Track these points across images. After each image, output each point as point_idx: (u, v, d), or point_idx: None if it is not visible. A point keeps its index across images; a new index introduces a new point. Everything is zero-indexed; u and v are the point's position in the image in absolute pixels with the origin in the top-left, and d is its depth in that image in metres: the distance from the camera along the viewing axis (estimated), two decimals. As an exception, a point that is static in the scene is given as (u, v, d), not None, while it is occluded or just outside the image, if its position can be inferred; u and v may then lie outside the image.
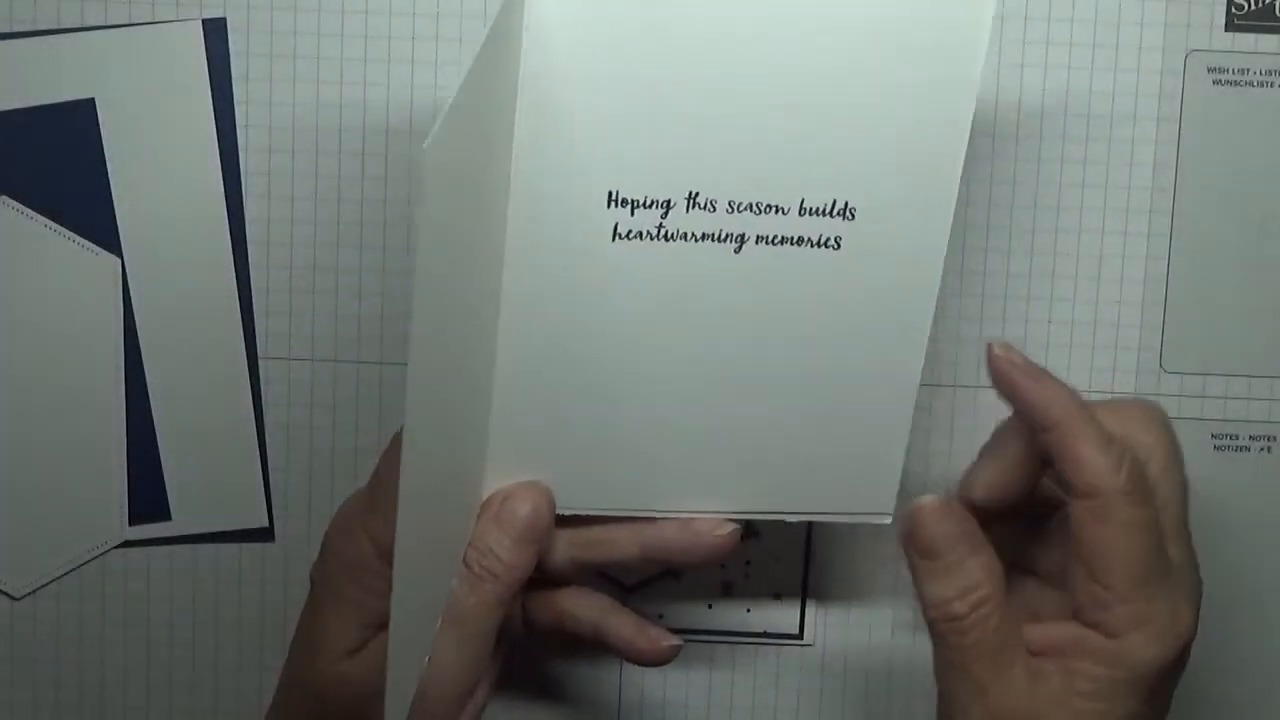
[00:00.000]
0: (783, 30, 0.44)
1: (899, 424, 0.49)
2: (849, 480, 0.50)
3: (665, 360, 0.48)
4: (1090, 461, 0.44)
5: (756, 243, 0.46)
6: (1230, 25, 0.54)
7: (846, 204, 0.46)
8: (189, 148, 0.54)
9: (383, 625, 0.48)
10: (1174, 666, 0.45)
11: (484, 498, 0.49)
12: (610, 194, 0.46)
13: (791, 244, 0.46)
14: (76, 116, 0.54)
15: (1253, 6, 0.54)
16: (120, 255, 0.54)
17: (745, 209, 0.46)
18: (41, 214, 0.54)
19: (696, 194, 0.46)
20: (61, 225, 0.54)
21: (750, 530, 0.56)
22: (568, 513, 0.49)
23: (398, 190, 0.54)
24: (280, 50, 0.54)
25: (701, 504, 0.50)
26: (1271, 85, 0.54)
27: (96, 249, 0.54)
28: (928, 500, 0.46)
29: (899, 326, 0.48)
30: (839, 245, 0.46)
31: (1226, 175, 0.55)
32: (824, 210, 0.46)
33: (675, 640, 0.51)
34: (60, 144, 0.54)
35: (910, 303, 0.47)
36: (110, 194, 0.54)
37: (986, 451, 0.48)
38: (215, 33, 0.54)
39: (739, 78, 0.44)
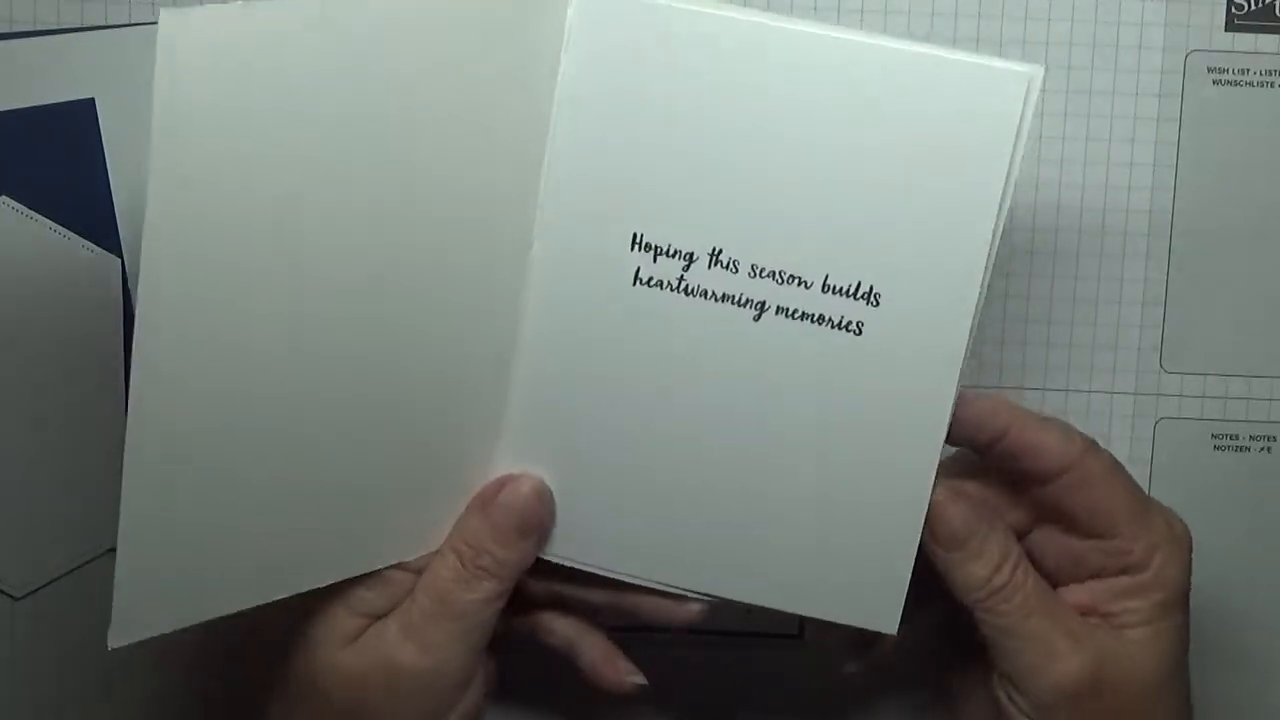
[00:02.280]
0: (823, 97, 0.44)
1: (909, 529, 0.47)
2: (851, 582, 0.47)
3: (674, 421, 0.47)
4: (1047, 443, 0.47)
5: (776, 313, 0.46)
6: (1230, 25, 0.54)
7: (871, 288, 0.45)
8: (189, 148, 0.54)
9: (376, 614, 0.48)
10: (1190, 568, 0.48)
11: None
12: (635, 236, 0.46)
13: (812, 321, 0.46)
14: (76, 116, 0.54)
15: (1253, 6, 0.54)
16: (120, 255, 0.54)
17: (767, 276, 0.45)
18: (41, 214, 0.54)
19: (720, 251, 0.46)
20: (61, 225, 0.54)
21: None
22: (554, 560, 0.49)
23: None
24: (280, 50, 0.54)
25: (694, 581, 0.48)
26: (1271, 85, 0.54)
27: (96, 249, 0.54)
28: (938, 494, 0.46)
29: (912, 431, 0.46)
30: (860, 331, 0.45)
31: (1226, 175, 0.55)
32: (848, 291, 0.45)
33: (639, 678, 0.51)
34: (60, 144, 0.54)
35: (924, 409, 0.46)
36: (110, 194, 0.54)
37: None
38: (215, 33, 0.54)
39: (771, 142, 0.44)
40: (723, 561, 0.48)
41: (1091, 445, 0.47)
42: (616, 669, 0.51)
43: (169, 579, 0.43)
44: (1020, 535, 0.48)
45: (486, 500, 0.48)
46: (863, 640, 0.50)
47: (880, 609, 0.47)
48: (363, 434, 0.45)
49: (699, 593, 0.48)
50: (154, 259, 0.38)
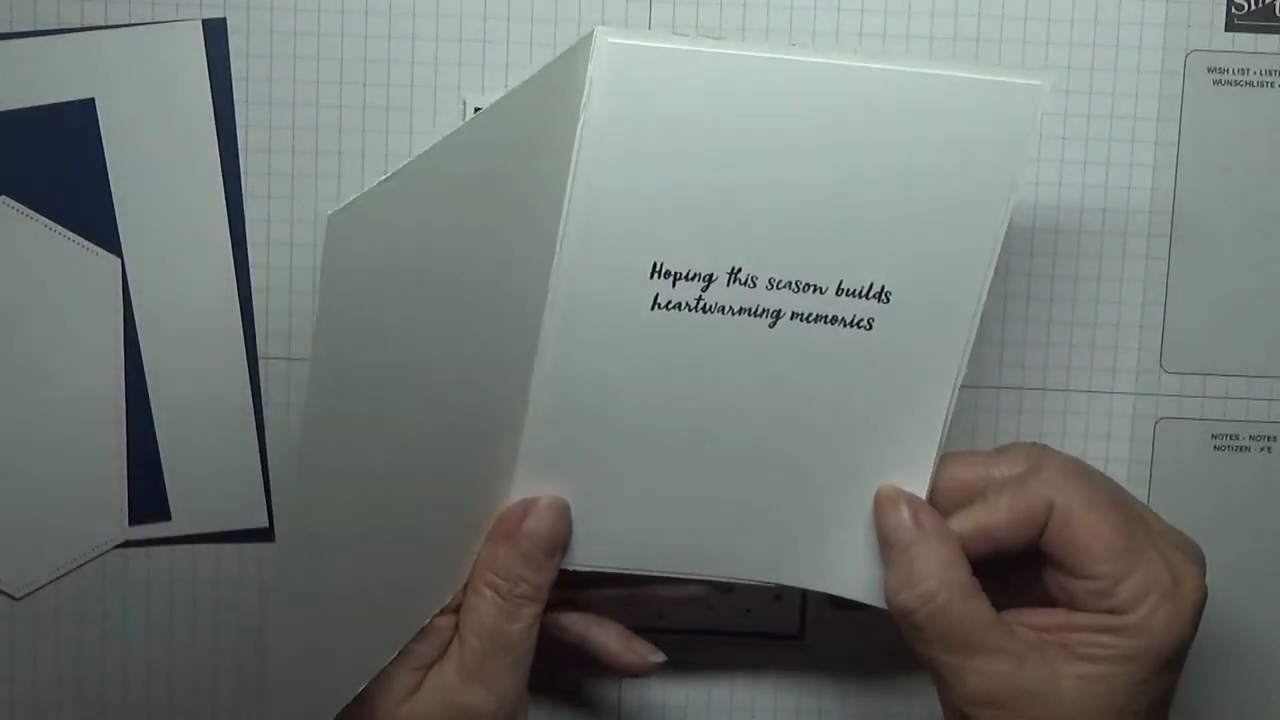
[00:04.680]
0: (836, 122, 0.45)
1: None
2: (865, 561, 0.49)
3: (691, 428, 0.48)
4: (1005, 510, 0.46)
5: (791, 319, 0.47)
6: (1230, 25, 0.54)
7: (883, 287, 0.46)
8: (189, 148, 0.54)
9: (429, 664, 0.48)
10: (1188, 632, 0.45)
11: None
12: (655, 265, 0.46)
13: (825, 322, 0.47)
14: (76, 116, 0.54)
15: (1253, 6, 0.54)
16: (120, 255, 0.54)
17: (785, 286, 0.46)
18: (41, 214, 0.54)
19: (739, 270, 0.46)
20: (61, 225, 0.54)
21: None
22: (576, 568, 0.50)
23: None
24: (280, 50, 0.54)
25: (712, 569, 0.50)
26: (1271, 85, 0.54)
27: (96, 249, 0.54)
28: (887, 489, 0.47)
29: (915, 417, 0.48)
30: (870, 326, 0.47)
31: (1226, 175, 0.55)
32: (860, 292, 0.46)
33: (659, 656, 0.52)
34: (60, 144, 0.54)
35: (929, 392, 0.47)
36: (110, 194, 0.54)
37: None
38: (215, 33, 0.54)
39: (787, 165, 0.45)
40: (740, 549, 0.49)
41: (1079, 471, 0.46)
42: (635, 651, 0.52)
43: (314, 673, 0.44)
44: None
45: (510, 530, 0.48)
46: None
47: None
48: (428, 495, 0.46)
49: (722, 579, 0.50)
50: (320, 389, 0.40)
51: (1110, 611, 0.45)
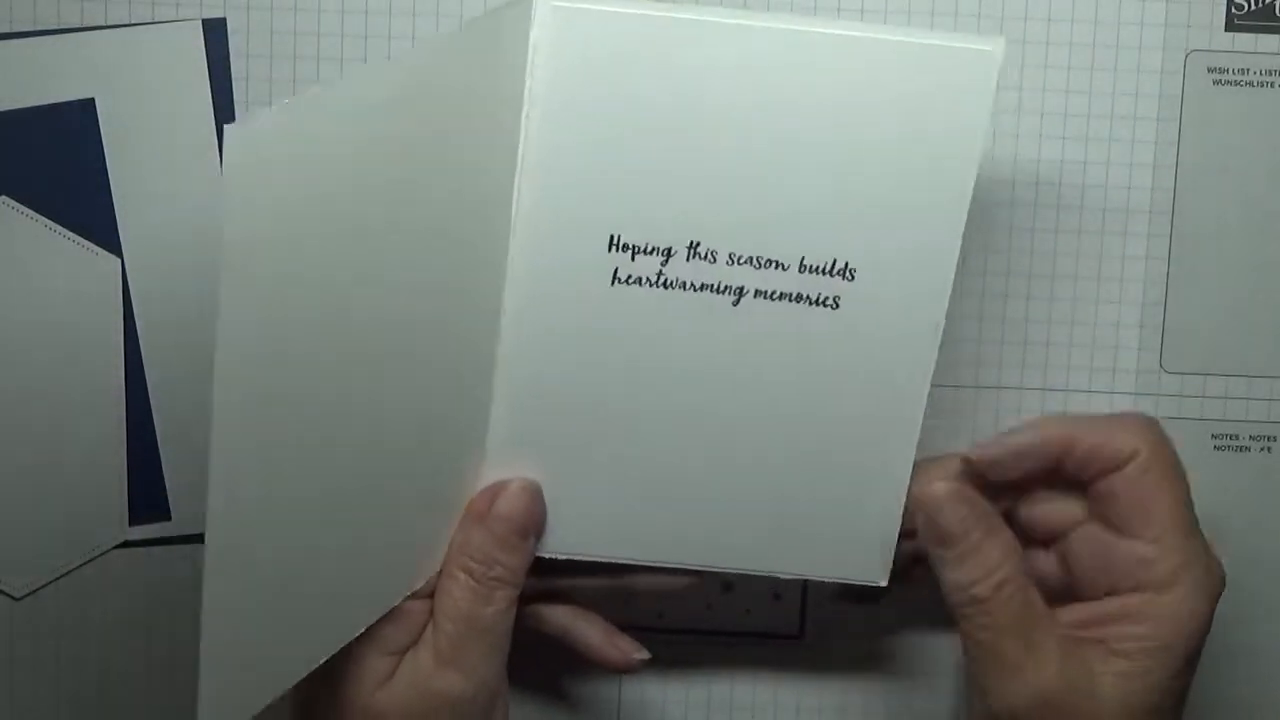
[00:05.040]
0: (789, 89, 0.45)
1: (894, 488, 0.49)
2: (842, 541, 0.49)
3: (661, 410, 0.48)
4: (1111, 438, 0.46)
5: (755, 297, 0.46)
6: (1230, 25, 0.54)
7: (846, 264, 0.46)
8: (189, 148, 0.54)
9: (402, 650, 0.48)
10: (1208, 622, 0.46)
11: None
12: (612, 238, 0.46)
13: (790, 300, 0.46)
14: (76, 116, 0.54)
15: (1253, 6, 0.54)
16: (120, 255, 0.54)
17: (745, 262, 0.46)
18: (41, 214, 0.54)
19: (697, 244, 0.46)
20: (61, 225, 0.54)
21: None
22: (551, 555, 0.49)
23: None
24: (280, 50, 0.54)
25: (688, 557, 0.50)
26: (1271, 85, 0.54)
27: (96, 249, 0.54)
28: (940, 488, 0.47)
29: (895, 392, 0.47)
30: (837, 305, 0.46)
31: (1226, 175, 0.55)
32: (824, 269, 0.46)
33: (644, 653, 0.52)
34: (60, 144, 0.54)
35: (906, 369, 0.47)
36: (110, 194, 0.54)
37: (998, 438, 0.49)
38: (215, 33, 0.54)
39: (744, 132, 0.45)
40: (717, 535, 0.49)
41: (1164, 443, 0.47)
42: (619, 648, 0.51)
43: (250, 657, 0.43)
44: (1065, 530, 0.48)
45: (482, 512, 0.48)
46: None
47: (870, 562, 0.49)
48: (385, 474, 0.45)
49: (698, 567, 0.49)
50: (229, 341, 0.38)
51: (1139, 589, 0.46)
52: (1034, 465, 0.47)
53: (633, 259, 0.46)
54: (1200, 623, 0.46)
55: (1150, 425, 0.47)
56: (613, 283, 0.46)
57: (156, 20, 0.54)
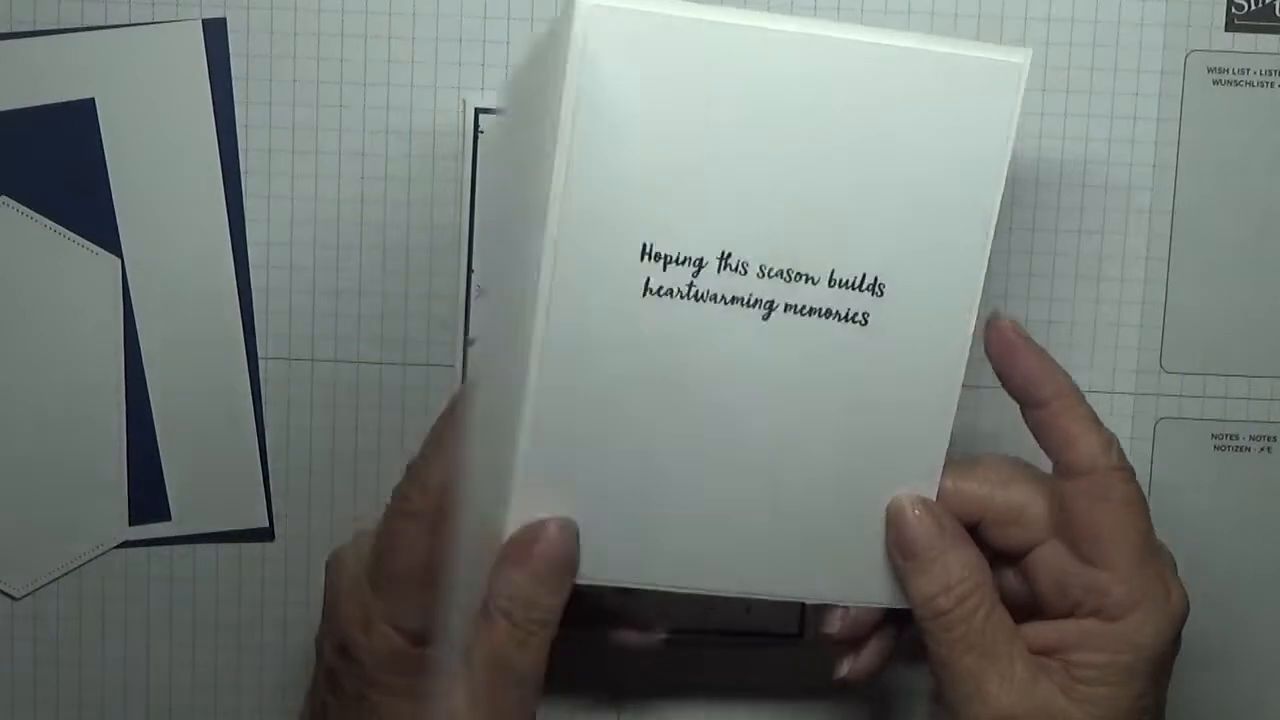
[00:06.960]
0: (822, 104, 0.44)
1: None
2: (873, 566, 0.48)
3: (688, 426, 0.47)
4: (1082, 439, 0.45)
5: (785, 311, 0.46)
6: (1230, 25, 0.54)
7: (876, 279, 0.45)
8: (189, 148, 0.54)
9: (433, 694, 0.47)
10: (1173, 645, 0.46)
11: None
12: (645, 247, 0.45)
13: (819, 315, 0.46)
14: (76, 116, 0.54)
15: (1253, 6, 0.54)
16: (120, 255, 0.54)
17: (776, 275, 0.45)
18: (41, 214, 0.54)
19: (729, 255, 0.45)
20: (61, 225, 0.54)
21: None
22: (583, 583, 0.48)
23: (398, 190, 0.54)
24: (280, 50, 0.54)
25: (715, 584, 0.48)
26: (1271, 85, 0.54)
27: (96, 249, 0.54)
28: (904, 501, 0.46)
29: (922, 412, 0.47)
30: (866, 321, 0.46)
31: (1226, 175, 0.55)
32: (853, 284, 0.45)
33: (663, 634, 0.52)
34: (60, 144, 0.54)
35: (933, 389, 0.46)
36: (110, 194, 0.54)
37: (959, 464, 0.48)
38: (215, 33, 0.54)
39: (775, 143, 0.44)
40: (744, 559, 0.48)
41: (1126, 470, 0.46)
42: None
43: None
44: (1027, 548, 0.47)
45: (521, 554, 0.46)
46: (852, 644, 0.50)
47: (896, 587, 0.48)
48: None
49: (725, 594, 0.48)
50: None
51: (1096, 614, 0.45)
52: (1019, 395, 0.47)
53: (664, 269, 0.45)
54: (1162, 647, 0.45)
55: (1106, 449, 0.46)
56: (644, 294, 0.46)
57: (156, 20, 0.54)
